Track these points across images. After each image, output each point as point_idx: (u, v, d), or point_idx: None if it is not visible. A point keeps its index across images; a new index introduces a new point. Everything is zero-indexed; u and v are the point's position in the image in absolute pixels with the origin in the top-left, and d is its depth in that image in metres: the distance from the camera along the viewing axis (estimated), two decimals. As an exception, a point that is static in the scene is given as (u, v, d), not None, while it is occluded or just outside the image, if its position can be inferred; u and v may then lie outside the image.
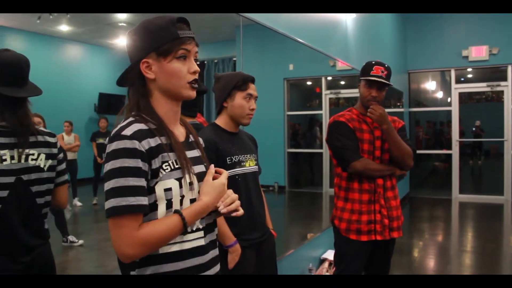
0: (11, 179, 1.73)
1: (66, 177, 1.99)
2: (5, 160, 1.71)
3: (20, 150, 1.75)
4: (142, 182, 1.20)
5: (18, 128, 1.75)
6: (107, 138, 1.24)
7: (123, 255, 1.19)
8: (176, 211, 1.25)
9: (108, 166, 1.20)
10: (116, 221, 1.18)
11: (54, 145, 1.89)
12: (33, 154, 1.79)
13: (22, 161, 1.76)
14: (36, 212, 1.83)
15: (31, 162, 1.79)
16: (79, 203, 5.49)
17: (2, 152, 1.71)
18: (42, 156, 1.82)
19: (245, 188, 2.19)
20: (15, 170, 1.74)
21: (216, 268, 1.40)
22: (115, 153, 1.20)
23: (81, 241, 4.43)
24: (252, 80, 2.27)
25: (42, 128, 1.88)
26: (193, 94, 1.33)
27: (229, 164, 2.14)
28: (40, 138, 1.83)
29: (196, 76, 1.33)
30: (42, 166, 1.82)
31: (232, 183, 2.13)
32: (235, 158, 2.17)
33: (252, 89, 2.25)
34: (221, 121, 2.26)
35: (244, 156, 2.23)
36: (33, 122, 1.84)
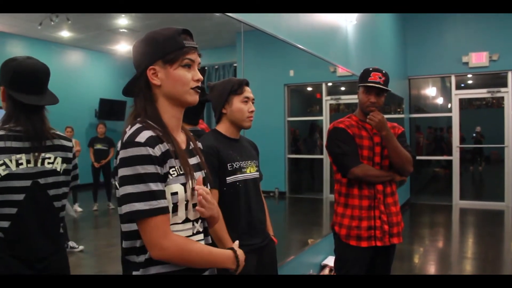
0: (27, 183, 1.73)
1: (78, 182, 2.01)
2: (21, 164, 1.72)
3: (36, 154, 1.76)
4: (159, 186, 1.26)
5: (32, 133, 1.76)
6: (119, 144, 1.29)
7: (161, 250, 1.25)
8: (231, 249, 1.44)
9: (124, 172, 1.25)
10: (152, 221, 1.23)
11: (69, 149, 1.90)
12: (49, 158, 1.81)
13: (39, 164, 1.77)
14: (54, 216, 1.84)
15: (48, 166, 1.80)
16: (79, 209, 5.49)
17: (18, 156, 1.72)
18: (59, 160, 1.84)
19: (246, 194, 2.19)
20: (32, 173, 1.75)
21: (213, 270, 1.47)
22: (132, 160, 1.24)
23: (81, 247, 4.42)
24: (247, 83, 2.28)
25: (58, 132, 1.88)
26: (196, 99, 1.39)
27: (230, 171, 2.14)
28: (56, 142, 1.84)
29: (199, 84, 1.39)
30: (58, 169, 1.83)
31: (233, 189, 2.14)
32: (236, 165, 2.17)
33: (248, 91, 2.26)
34: (222, 127, 2.27)
35: (245, 163, 2.23)
36: (49, 127, 1.85)
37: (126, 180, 1.24)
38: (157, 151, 1.27)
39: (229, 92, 2.22)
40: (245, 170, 2.21)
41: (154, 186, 1.24)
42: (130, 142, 1.26)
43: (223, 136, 2.24)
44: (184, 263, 1.31)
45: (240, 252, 1.44)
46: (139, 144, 1.25)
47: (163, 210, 1.25)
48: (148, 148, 1.25)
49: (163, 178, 1.28)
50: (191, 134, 1.54)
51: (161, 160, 1.28)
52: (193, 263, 1.33)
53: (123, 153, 1.26)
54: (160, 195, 1.25)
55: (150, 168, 1.24)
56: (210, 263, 1.38)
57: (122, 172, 1.25)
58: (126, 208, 1.24)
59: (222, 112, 2.25)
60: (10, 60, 1.78)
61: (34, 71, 1.79)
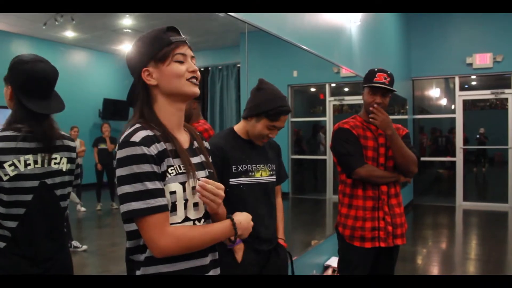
0: (35, 183, 1.74)
1: (79, 181, 2.02)
2: (29, 164, 1.73)
3: (43, 154, 1.77)
4: (157, 184, 1.26)
5: (42, 135, 1.77)
6: (116, 145, 1.30)
7: (159, 247, 1.25)
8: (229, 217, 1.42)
9: (121, 172, 1.25)
10: (150, 219, 1.24)
11: (73, 149, 1.91)
12: (55, 158, 1.82)
13: (46, 165, 1.78)
14: (60, 215, 1.86)
15: (54, 166, 1.81)
16: (82, 209, 5.50)
17: (26, 157, 1.73)
18: (64, 160, 1.85)
19: (251, 198, 2.13)
20: (39, 174, 1.76)
21: (216, 271, 1.46)
22: (127, 160, 1.25)
23: (84, 247, 4.43)
24: (287, 112, 2.13)
25: (62, 132, 1.89)
26: (196, 90, 1.38)
27: (234, 173, 2.10)
28: (61, 142, 1.86)
29: (195, 75, 1.38)
30: (64, 169, 1.85)
31: (236, 192, 2.09)
32: (242, 167, 2.12)
33: (281, 121, 2.12)
34: (240, 128, 2.20)
35: (255, 166, 2.16)
36: (56, 129, 1.86)
37: (123, 180, 1.25)
38: (153, 150, 1.27)
39: (263, 111, 2.10)
40: (253, 174, 2.15)
41: (151, 185, 1.24)
42: (126, 142, 1.26)
43: (237, 136, 2.18)
44: (189, 251, 1.32)
45: (239, 218, 1.42)
46: (134, 144, 1.25)
47: (161, 208, 1.25)
48: (143, 147, 1.25)
49: (161, 177, 1.28)
50: (198, 133, 1.53)
51: (157, 159, 1.28)
52: (198, 248, 1.33)
53: (119, 154, 1.26)
54: (158, 193, 1.25)
55: (146, 167, 1.24)
56: (213, 241, 1.37)
57: (119, 172, 1.25)
58: (123, 208, 1.24)
59: (248, 119, 2.16)
60: (22, 62, 1.77)
61: (46, 76, 1.79)
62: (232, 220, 1.39)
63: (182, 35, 1.40)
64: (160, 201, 1.25)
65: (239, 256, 2.08)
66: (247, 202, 2.11)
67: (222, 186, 1.37)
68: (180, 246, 1.27)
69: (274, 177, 2.27)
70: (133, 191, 1.23)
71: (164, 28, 1.38)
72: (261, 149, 2.24)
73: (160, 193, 1.26)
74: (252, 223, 1.46)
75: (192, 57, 1.40)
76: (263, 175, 2.19)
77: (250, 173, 2.14)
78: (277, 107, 2.09)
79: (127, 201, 1.24)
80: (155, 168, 1.26)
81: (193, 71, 1.37)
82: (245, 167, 2.13)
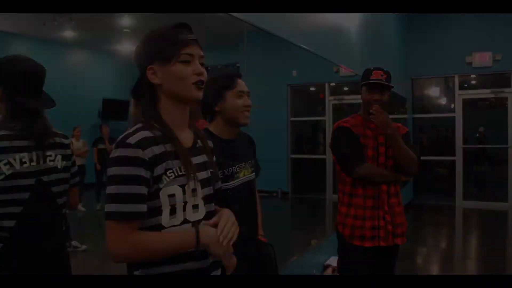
0: (31, 181, 1.74)
1: (78, 179, 2.02)
2: (25, 162, 1.73)
3: (38, 152, 1.77)
4: (142, 189, 1.24)
5: (36, 133, 1.78)
6: (114, 144, 1.28)
7: (114, 254, 1.23)
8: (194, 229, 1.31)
9: (111, 171, 1.24)
10: (114, 224, 1.22)
11: (67, 146, 1.92)
12: (50, 155, 1.82)
13: (41, 162, 1.78)
14: (57, 213, 1.86)
15: (50, 163, 1.81)
16: (82, 209, 5.51)
17: (21, 154, 1.73)
18: (59, 157, 1.85)
19: (237, 201, 2.04)
20: (35, 172, 1.76)
21: (217, 273, 1.44)
22: (119, 160, 1.23)
23: (84, 247, 4.43)
24: (239, 76, 2.10)
25: (55, 130, 1.90)
26: (199, 95, 1.36)
27: (220, 179, 1.96)
28: (56, 139, 1.86)
29: (202, 78, 1.35)
30: (59, 166, 1.85)
31: (222, 198, 2.02)
32: (227, 171, 2.03)
33: (241, 85, 2.07)
34: (215, 127, 2.10)
35: (238, 167, 2.09)
36: (50, 126, 1.86)
37: (111, 180, 1.23)
38: (148, 153, 1.24)
39: (221, 87, 2.04)
40: (238, 175, 2.08)
41: (135, 189, 1.22)
42: (122, 143, 1.24)
43: (215, 137, 2.05)
44: (147, 260, 1.28)
45: (205, 230, 1.30)
46: (129, 145, 1.23)
47: (131, 215, 1.22)
48: (137, 150, 1.23)
49: (151, 181, 1.25)
50: (202, 132, 1.51)
51: (152, 163, 1.25)
52: (151, 257, 1.27)
53: (113, 153, 1.25)
54: (139, 198, 1.23)
55: (134, 170, 1.22)
56: (168, 249, 1.27)
57: (109, 171, 1.24)
58: (106, 207, 1.24)
59: (215, 110, 2.07)
60: (14, 62, 1.78)
61: (39, 74, 1.81)
62: (197, 231, 1.29)
63: (192, 33, 1.36)
64: (138, 207, 1.23)
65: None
66: (233, 206, 2.05)
67: (234, 218, 1.39)
68: (131, 254, 1.25)
69: (254, 173, 2.22)
70: (111, 192, 1.22)
71: (172, 26, 1.34)
72: (241, 146, 2.18)
73: (139, 199, 1.23)
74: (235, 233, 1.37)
75: (201, 57, 1.36)
76: (245, 174, 2.13)
77: (235, 175, 2.07)
78: (226, 77, 2.09)
79: (110, 201, 1.23)
80: (144, 173, 1.23)
81: (199, 74, 1.34)
82: (230, 170, 2.05)
